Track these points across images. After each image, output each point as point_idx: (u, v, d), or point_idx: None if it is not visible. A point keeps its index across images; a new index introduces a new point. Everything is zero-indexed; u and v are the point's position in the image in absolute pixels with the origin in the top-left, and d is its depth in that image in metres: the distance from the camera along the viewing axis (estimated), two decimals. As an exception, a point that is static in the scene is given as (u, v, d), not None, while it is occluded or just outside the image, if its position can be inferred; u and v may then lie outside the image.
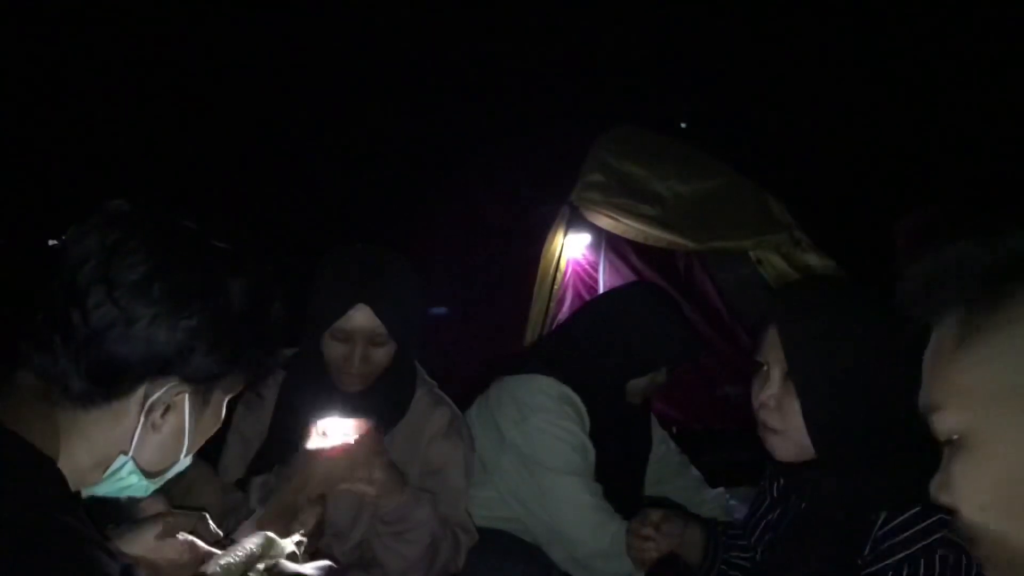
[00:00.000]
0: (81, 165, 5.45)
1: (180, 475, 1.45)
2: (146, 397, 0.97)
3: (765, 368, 1.35)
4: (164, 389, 0.97)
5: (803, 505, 1.41)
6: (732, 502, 2.50)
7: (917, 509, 1.19)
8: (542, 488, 2.08)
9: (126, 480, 1.03)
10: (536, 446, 2.08)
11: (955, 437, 0.75)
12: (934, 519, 1.17)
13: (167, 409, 1.00)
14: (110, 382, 0.95)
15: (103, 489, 1.04)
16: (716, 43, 7.73)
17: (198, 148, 6.32)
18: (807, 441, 1.30)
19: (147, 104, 6.28)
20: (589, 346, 2.14)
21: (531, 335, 3.52)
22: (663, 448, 2.48)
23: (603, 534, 2.00)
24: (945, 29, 7.07)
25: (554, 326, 3.54)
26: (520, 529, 2.22)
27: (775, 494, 1.54)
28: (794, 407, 1.29)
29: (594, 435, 2.14)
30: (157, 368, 0.96)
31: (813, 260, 3.53)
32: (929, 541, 1.16)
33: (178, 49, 6.39)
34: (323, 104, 6.93)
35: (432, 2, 7.15)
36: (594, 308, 2.31)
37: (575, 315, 2.40)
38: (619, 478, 2.22)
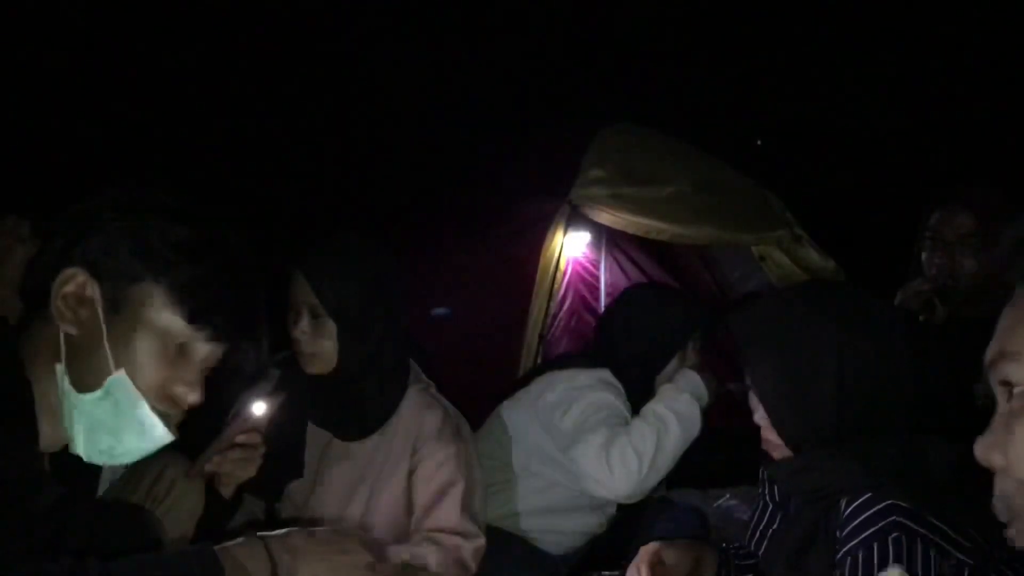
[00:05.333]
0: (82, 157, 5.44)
1: (159, 475, 1.42)
2: (58, 287, 1.04)
3: (750, 388, 1.42)
4: (70, 275, 1.04)
5: (795, 504, 1.44)
6: (732, 502, 2.49)
7: (869, 495, 1.21)
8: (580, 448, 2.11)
9: (73, 403, 1.05)
10: (584, 420, 2.13)
11: (1019, 389, 0.74)
12: (886, 503, 1.18)
13: (80, 303, 1.05)
14: (31, 277, 1.07)
15: (79, 430, 1.06)
16: (715, 42, 7.72)
17: (202, 146, 6.31)
18: None
19: (156, 104, 6.27)
20: (618, 351, 2.27)
21: (531, 335, 3.51)
22: None
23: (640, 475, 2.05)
24: (945, 28, 7.06)
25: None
26: (538, 538, 2.21)
27: (776, 499, 1.54)
28: None
29: None
30: (59, 252, 1.05)
31: (814, 257, 3.53)
32: (881, 525, 1.17)
33: (182, 44, 6.38)
34: (322, 102, 6.92)
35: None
36: (616, 309, 2.44)
37: (606, 317, 2.53)
38: None
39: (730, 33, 7.68)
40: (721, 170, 3.67)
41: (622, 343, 2.28)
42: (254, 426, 1.62)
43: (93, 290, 1.04)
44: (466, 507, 1.85)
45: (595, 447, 2.06)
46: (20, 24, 5.18)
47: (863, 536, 1.18)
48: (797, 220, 3.60)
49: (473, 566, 1.82)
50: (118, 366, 1.05)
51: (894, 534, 1.16)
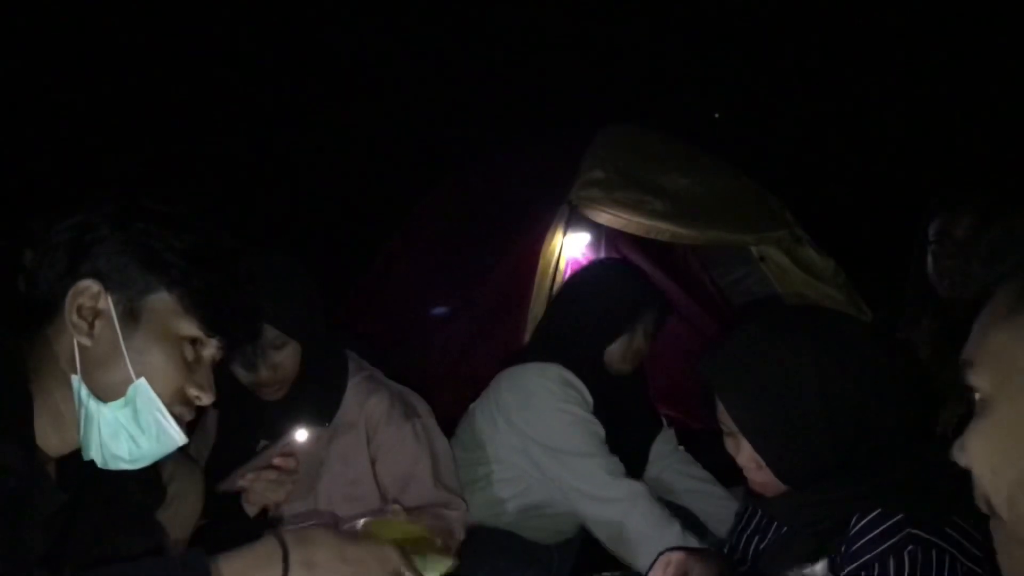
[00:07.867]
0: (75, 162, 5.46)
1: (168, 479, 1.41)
2: (72, 300, 1.06)
3: (727, 433, 1.37)
4: (84, 288, 1.05)
5: (784, 530, 1.42)
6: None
7: (879, 511, 1.19)
8: (566, 470, 2.08)
9: (93, 411, 1.06)
10: (548, 431, 2.09)
11: (979, 397, 0.77)
12: (899, 517, 1.17)
13: (95, 316, 1.06)
14: (36, 288, 1.07)
15: (99, 437, 1.07)
16: (715, 42, 7.72)
17: (201, 146, 6.32)
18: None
19: (145, 102, 6.29)
20: (564, 324, 2.24)
21: (531, 335, 3.50)
22: (669, 446, 2.48)
23: (630, 513, 2.00)
24: (949, 28, 7.06)
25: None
26: (528, 528, 2.20)
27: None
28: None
29: (594, 413, 2.15)
30: (67, 264, 1.06)
31: (814, 257, 3.53)
32: (896, 539, 1.16)
33: (176, 45, 6.39)
34: (322, 102, 6.94)
35: (433, 1, 7.16)
36: (562, 290, 2.43)
37: (552, 300, 2.51)
38: (619, 455, 2.21)
39: (732, 34, 7.68)
40: (721, 169, 3.67)
41: (571, 313, 2.23)
42: (294, 451, 1.64)
43: (107, 302, 1.07)
44: (437, 478, 1.87)
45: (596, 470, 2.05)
46: (19, 24, 5.20)
47: (878, 551, 1.16)
48: (796, 220, 3.60)
49: (461, 533, 1.83)
50: (137, 374, 1.07)
51: (909, 547, 1.14)
